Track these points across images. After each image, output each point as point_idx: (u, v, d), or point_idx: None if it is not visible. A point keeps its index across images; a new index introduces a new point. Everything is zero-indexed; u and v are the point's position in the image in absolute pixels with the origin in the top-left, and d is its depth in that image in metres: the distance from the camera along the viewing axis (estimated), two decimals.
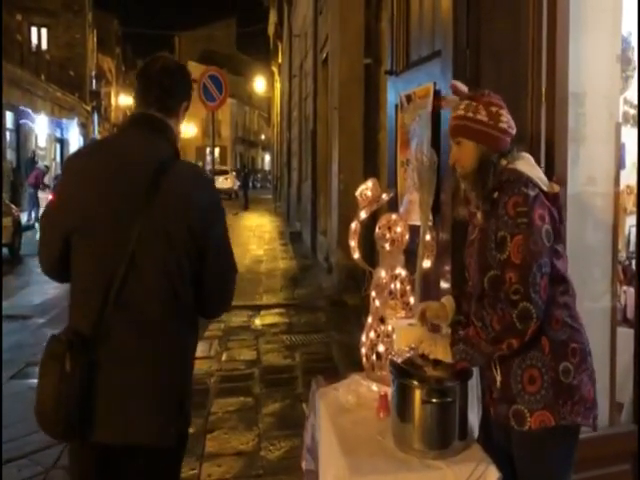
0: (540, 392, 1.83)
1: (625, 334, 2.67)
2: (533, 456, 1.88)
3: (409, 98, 2.75)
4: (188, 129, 45.56)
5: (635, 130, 2.72)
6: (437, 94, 2.52)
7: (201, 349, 6.00)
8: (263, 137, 54.59)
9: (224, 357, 5.74)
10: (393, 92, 3.11)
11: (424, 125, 2.47)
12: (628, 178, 2.77)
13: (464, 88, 2.02)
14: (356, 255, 2.47)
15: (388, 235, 2.37)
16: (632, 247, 2.86)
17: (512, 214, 1.80)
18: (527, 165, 1.92)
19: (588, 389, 1.88)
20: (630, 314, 2.78)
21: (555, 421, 1.82)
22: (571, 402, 1.83)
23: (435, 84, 2.55)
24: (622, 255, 2.82)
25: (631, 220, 2.84)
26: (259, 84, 37.41)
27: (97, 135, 33.64)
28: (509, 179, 1.86)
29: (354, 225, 2.46)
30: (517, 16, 2.35)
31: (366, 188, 2.40)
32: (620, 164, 2.66)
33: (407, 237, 2.40)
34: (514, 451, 1.93)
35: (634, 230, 2.77)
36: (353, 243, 2.46)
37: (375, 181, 2.43)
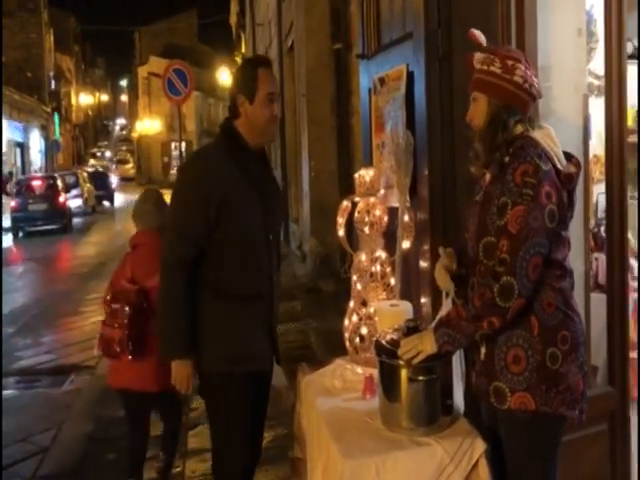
0: (524, 374, 1.78)
1: (598, 299, 2.71)
2: (516, 437, 1.86)
3: (382, 81, 2.75)
4: (153, 125, 44.89)
5: (599, 100, 2.77)
6: (410, 75, 2.53)
7: None
8: None
9: None
10: (366, 75, 3.10)
11: (398, 107, 2.48)
12: (594, 148, 2.81)
13: (482, 38, 1.88)
14: (341, 232, 2.46)
15: (367, 219, 2.38)
16: (599, 214, 2.92)
17: (518, 182, 1.71)
18: (546, 138, 1.81)
19: (577, 380, 1.81)
20: (602, 280, 2.84)
21: (535, 405, 1.78)
22: (555, 390, 1.78)
23: (408, 66, 2.55)
24: (591, 223, 2.86)
25: (598, 188, 2.88)
26: (223, 75, 36.97)
27: (59, 137, 32.92)
28: (523, 146, 1.77)
29: (345, 203, 2.46)
30: None
31: (366, 174, 2.40)
32: (587, 135, 2.70)
33: (386, 220, 2.41)
34: (500, 427, 1.91)
35: (602, 198, 2.81)
36: (341, 220, 2.46)
37: (376, 171, 2.43)
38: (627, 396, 2.68)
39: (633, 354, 2.76)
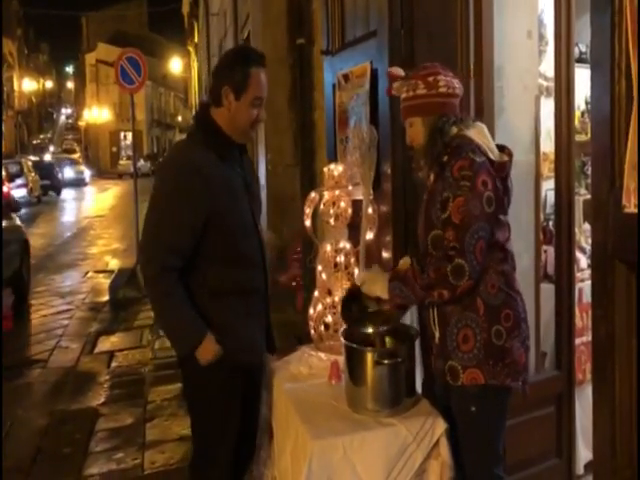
0: (472, 351, 1.93)
1: (546, 289, 2.89)
2: (468, 412, 1.99)
3: (346, 77, 2.82)
4: (101, 114, 43.70)
5: (547, 101, 2.92)
6: (374, 73, 2.61)
7: (132, 339, 5.91)
8: (180, 119, 53.13)
9: (157, 345, 5.61)
10: (330, 72, 3.18)
11: (362, 103, 2.55)
12: (543, 146, 2.97)
13: (400, 72, 2.05)
14: (308, 222, 2.52)
15: (332, 210, 2.46)
16: (548, 209, 3.10)
17: (456, 176, 1.88)
18: (478, 134, 1.99)
19: (520, 354, 1.96)
20: (550, 271, 3.02)
21: (485, 379, 1.92)
22: (502, 364, 1.93)
23: (372, 63, 2.63)
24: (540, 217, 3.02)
25: (547, 184, 3.05)
26: (174, 65, 36.37)
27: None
28: (459, 144, 1.94)
29: (313, 194, 2.52)
30: None
31: (335, 169, 2.47)
32: (538, 134, 2.85)
33: (350, 212, 2.49)
34: (452, 405, 2.05)
35: (550, 194, 2.98)
36: (308, 210, 2.52)
37: (345, 168, 2.50)
38: (573, 379, 2.87)
39: (579, 340, 2.95)
